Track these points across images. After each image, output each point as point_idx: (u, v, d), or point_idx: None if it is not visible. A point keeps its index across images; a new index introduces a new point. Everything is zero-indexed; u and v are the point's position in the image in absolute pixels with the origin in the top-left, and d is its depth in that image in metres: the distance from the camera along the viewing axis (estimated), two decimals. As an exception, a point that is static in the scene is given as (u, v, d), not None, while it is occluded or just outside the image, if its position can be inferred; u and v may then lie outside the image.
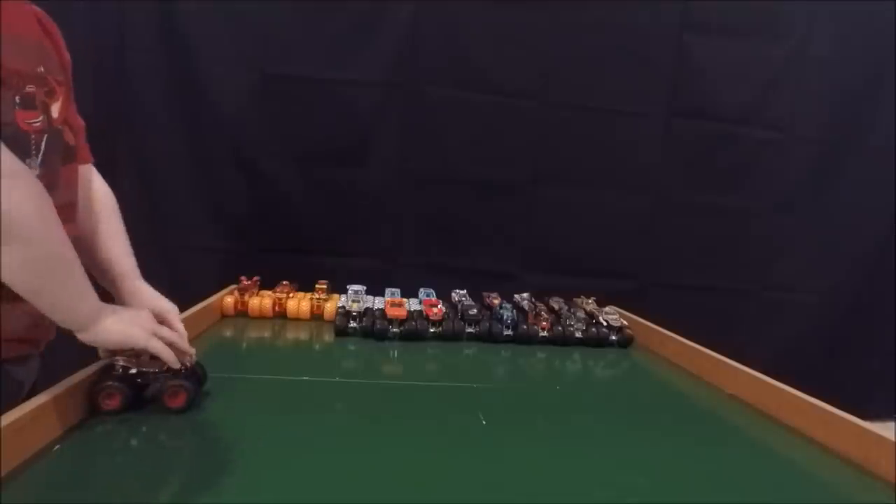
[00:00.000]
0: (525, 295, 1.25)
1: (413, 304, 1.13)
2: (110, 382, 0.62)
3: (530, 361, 1.02)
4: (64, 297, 0.57)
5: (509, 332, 1.09)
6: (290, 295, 1.13)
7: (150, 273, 0.78)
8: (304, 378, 0.81)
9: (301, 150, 1.47)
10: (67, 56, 0.72)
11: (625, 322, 1.15)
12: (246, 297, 1.11)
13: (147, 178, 1.38)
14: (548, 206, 1.57)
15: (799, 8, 1.54)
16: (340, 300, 1.12)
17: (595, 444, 0.68)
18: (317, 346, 1.02)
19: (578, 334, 1.10)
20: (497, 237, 1.58)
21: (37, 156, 0.60)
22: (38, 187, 0.54)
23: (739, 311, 1.65)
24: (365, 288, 1.17)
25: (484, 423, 0.70)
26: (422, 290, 1.22)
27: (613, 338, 1.12)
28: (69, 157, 0.68)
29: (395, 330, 1.04)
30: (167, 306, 0.72)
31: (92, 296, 0.60)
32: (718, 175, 1.60)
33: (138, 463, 0.54)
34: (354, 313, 1.05)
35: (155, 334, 0.63)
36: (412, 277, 1.39)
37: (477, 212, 1.56)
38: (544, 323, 1.10)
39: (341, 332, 1.04)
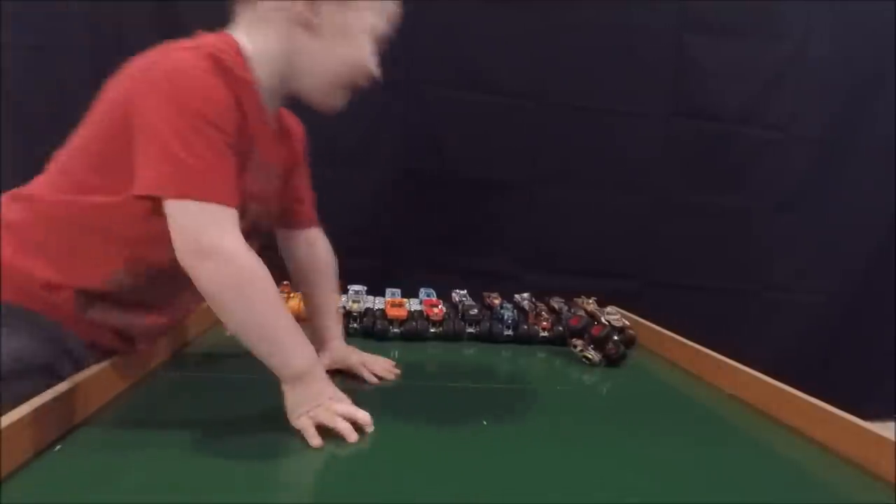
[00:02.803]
0: (525, 295, 1.25)
1: (413, 304, 1.13)
2: None
3: (531, 361, 1.02)
4: (266, 357, 0.63)
5: (510, 332, 1.09)
6: (291, 295, 1.13)
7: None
8: (305, 378, 0.81)
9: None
10: (299, 147, 0.89)
11: (626, 322, 1.15)
12: (246, 298, 1.11)
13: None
14: (548, 206, 1.57)
15: (799, 8, 1.54)
16: (341, 300, 1.12)
17: (595, 444, 0.68)
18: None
19: (578, 334, 1.10)
20: (497, 237, 1.57)
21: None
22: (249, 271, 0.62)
23: (739, 311, 1.65)
24: (365, 288, 1.17)
25: (484, 423, 0.70)
26: (422, 290, 1.22)
27: (615, 338, 1.12)
28: (288, 224, 0.87)
29: (395, 330, 1.05)
30: (354, 361, 0.83)
31: (297, 359, 0.65)
32: (718, 175, 1.60)
33: (138, 463, 0.54)
34: (355, 313, 1.06)
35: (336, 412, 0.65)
36: (412, 277, 1.39)
37: (477, 212, 1.55)
38: (545, 323, 1.10)
39: (341, 332, 1.04)
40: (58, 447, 0.54)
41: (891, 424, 1.33)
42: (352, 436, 0.62)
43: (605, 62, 1.51)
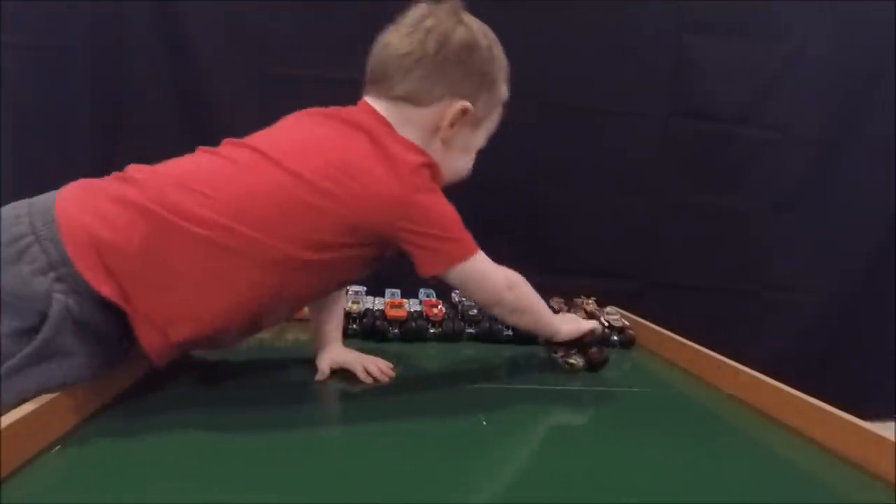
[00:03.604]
0: (525, 295, 1.25)
1: (413, 305, 1.13)
2: None
3: (530, 361, 1.02)
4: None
5: (509, 332, 1.09)
6: (291, 295, 1.13)
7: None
8: (304, 379, 0.81)
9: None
10: None
11: (626, 322, 1.15)
12: (246, 298, 1.11)
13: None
14: (547, 206, 1.57)
15: (798, 8, 1.54)
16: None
17: (595, 444, 0.68)
18: (317, 347, 1.02)
19: (578, 334, 1.10)
20: (497, 237, 1.57)
21: None
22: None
23: (739, 311, 1.65)
24: (365, 288, 1.17)
25: (484, 423, 0.70)
26: (422, 290, 1.22)
27: (615, 338, 1.12)
28: None
29: (395, 330, 1.04)
30: (352, 360, 0.85)
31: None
32: (717, 175, 1.60)
33: (139, 463, 0.54)
34: (354, 314, 1.05)
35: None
36: (412, 277, 1.39)
37: (477, 212, 1.55)
38: (544, 323, 1.10)
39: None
40: (57, 447, 0.54)
41: (891, 424, 1.33)
42: None
43: (603, 62, 1.51)
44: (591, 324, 0.96)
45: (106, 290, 0.61)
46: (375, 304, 1.12)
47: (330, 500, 0.50)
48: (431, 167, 0.76)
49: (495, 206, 1.56)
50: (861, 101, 1.59)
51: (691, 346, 1.00)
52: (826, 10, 1.54)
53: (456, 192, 1.52)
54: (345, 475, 0.55)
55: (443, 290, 1.25)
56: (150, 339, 0.65)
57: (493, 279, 0.83)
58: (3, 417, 0.49)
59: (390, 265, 1.57)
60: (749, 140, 1.59)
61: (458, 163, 0.85)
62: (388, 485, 0.54)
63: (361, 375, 0.83)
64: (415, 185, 0.73)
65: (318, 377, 0.81)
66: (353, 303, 1.07)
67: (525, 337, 1.08)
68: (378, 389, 0.81)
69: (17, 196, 1.34)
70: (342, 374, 0.83)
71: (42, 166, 1.13)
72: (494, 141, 1.55)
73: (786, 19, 1.55)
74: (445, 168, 0.81)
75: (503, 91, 0.85)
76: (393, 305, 1.08)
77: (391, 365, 0.86)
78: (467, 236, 0.80)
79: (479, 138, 0.86)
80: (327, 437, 0.63)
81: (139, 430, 0.61)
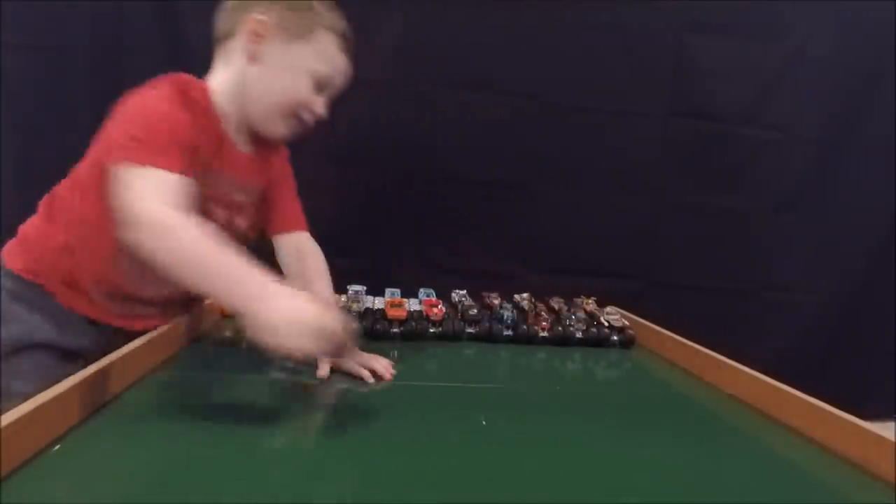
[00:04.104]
0: (525, 295, 1.25)
1: (413, 304, 1.13)
2: None
3: (530, 361, 1.02)
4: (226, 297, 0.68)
5: (509, 332, 1.09)
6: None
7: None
8: (304, 379, 0.81)
9: (301, 150, 1.47)
10: (282, 166, 1.02)
11: (626, 322, 1.15)
12: (246, 298, 1.11)
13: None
14: (548, 206, 1.57)
15: (799, 8, 1.54)
16: (340, 300, 1.12)
17: (595, 444, 0.68)
18: (317, 347, 1.02)
19: (579, 334, 1.10)
20: (497, 237, 1.57)
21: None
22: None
23: (739, 311, 1.65)
24: (365, 288, 1.17)
25: (484, 423, 0.70)
26: (422, 290, 1.22)
27: (615, 338, 1.12)
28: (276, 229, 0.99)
29: (395, 330, 1.04)
30: (351, 359, 0.83)
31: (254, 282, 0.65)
32: (718, 175, 1.60)
33: (138, 463, 0.54)
34: (354, 313, 1.05)
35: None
36: (412, 277, 1.39)
37: (477, 212, 1.55)
38: (544, 323, 1.10)
39: (341, 332, 1.04)
40: (57, 447, 0.54)
41: (891, 424, 1.33)
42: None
43: (604, 62, 1.52)
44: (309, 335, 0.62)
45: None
46: (375, 303, 1.13)
47: (330, 500, 0.51)
48: (183, 84, 0.80)
49: (495, 206, 1.56)
50: (861, 101, 1.59)
51: (691, 346, 1.00)
52: (826, 10, 1.54)
53: (457, 191, 1.54)
54: (345, 475, 0.55)
55: (443, 290, 1.25)
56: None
57: (134, 195, 0.66)
58: (3, 417, 0.49)
59: (390, 265, 1.58)
60: (749, 140, 1.59)
61: (282, 81, 0.85)
62: (388, 484, 0.54)
63: (365, 376, 0.82)
64: (142, 90, 0.77)
65: (319, 375, 0.81)
66: (354, 302, 1.07)
67: (525, 337, 1.08)
68: (378, 389, 0.81)
69: (18, 195, 1.35)
70: (343, 374, 0.83)
71: (42, 166, 1.12)
72: (495, 141, 1.57)
73: (786, 19, 1.55)
74: (268, 87, 0.84)
75: (317, 9, 0.86)
76: (393, 305, 1.08)
77: (391, 362, 0.86)
78: (152, 147, 0.69)
79: (301, 57, 0.84)
80: (327, 437, 0.63)
81: (139, 430, 0.61)
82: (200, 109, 0.80)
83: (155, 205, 0.65)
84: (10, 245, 0.88)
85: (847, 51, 1.56)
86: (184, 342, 0.91)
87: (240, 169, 0.88)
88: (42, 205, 0.89)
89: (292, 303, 0.62)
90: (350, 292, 1.14)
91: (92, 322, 0.87)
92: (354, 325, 0.67)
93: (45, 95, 1.32)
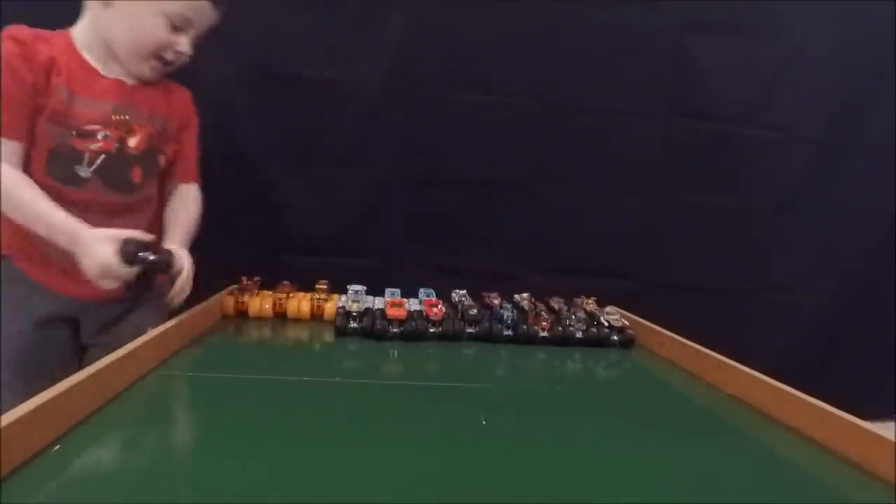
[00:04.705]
0: (525, 295, 1.25)
1: (413, 304, 1.13)
2: None
3: (530, 361, 1.02)
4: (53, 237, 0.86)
5: (509, 332, 1.09)
6: (290, 295, 1.13)
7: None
8: (304, 378, 0.81)
9: (301, 150, 1.47)
10: (183, 107, 1.08)
11: (626, 322, 1.15)
12: (246, 298, 1.11)
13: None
14: (548, 206, 1.57)
15: (799, 8, 1.54)
16: (340, 300, 1.12)
17: (595, 444, 0.68)
18: (317, 347, 1.02)
19: (579, 334, 1.10)
20: (497, 237, 1.58)
21: (89, 165, 0.92)
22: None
23: (739, 311, 1.65)
24: (365, 288, 1.17)
25: (484, 423, 0.70)
26: (422, 290, 1.22)
27: (615, 338, 1.12)
28: (154, 171, 1.01)
29: (395, 330, 1.04)
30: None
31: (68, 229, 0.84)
32: (718, 175, 1.60)
33: (139, 463, 0.54)
34: (354, 313, 1.05)
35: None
36: (412, 277, 1.39)
37: (477, 212, 1.56)
38: (544, 323, 1.10)
39: (341, 332, 1.04)
40: (57, 447, 0.54)
41: (891, 424, 1.33)
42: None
43: (604, 62, 1.52)
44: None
45: None
46: (375, 303, 1.13)
47: (330, 499, 0.50)
48: (13, 35, 0.89)
49: (495, 206, 1.56)
50: (861, 101, 1.60)
51: (691, 346, 1.00)
52: (826, 10, 1.54)
53: (457, 191, 1.54)
54: (344, 475, 0.55)
55: (443, 290, 1.25)
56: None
57: None
58: (3, 417, 0.49)
59: (390, 265, 1.57)
60: (750, 140, 1.59)
61: (134, 22, 0.91)
62: (387, 484, 0.54)
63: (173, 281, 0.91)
64: None
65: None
66: (354, 302, 1.07)
67: (525, 337, 1.08)
68: (377, 389, 0.81)
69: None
70: (342, 372, 0.83)
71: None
72: (495, 140, 1.57)
73: (786, 19, 1.55)
74: (120, 32, 0.92)
75: None
76: (393, 305, 1.08)
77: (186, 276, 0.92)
78: None
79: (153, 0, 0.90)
80: (326, 437, 0.63)
81: (139, 430, 0.61)
82: (45, 49, 0.90)
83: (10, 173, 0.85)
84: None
85: (847, 51, 1.56)
86: (184, 342, 0.91)
87: (113, 92, 0.94)
88: None
89: (89, 248, 0.82)
90: (350, 292, 1.14)
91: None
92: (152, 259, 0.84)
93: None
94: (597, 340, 1.11)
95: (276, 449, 0.59)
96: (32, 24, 1.35)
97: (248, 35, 1.38)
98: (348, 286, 1.17)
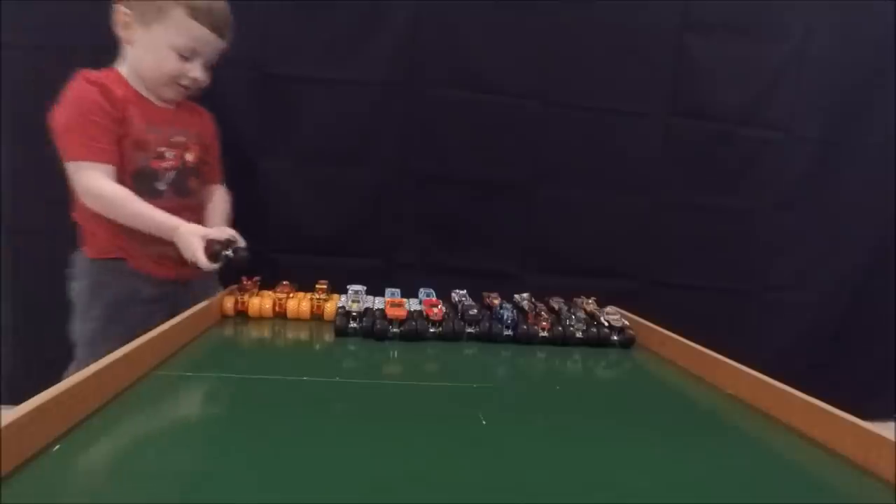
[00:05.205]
0: (525, 295, 1.25)
1: (413, 304, 1.13)
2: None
3: (530, 361, 1.02)
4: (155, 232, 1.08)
5: (509, 332, 1.09)
6: (290, 295, 1.13)
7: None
8: (304, 378, 0.81)
9: (301, 150, 1.47)
10: (209, 128, 1.26)
11: (626, 322, 1.15)
12: (246, 298, 1.11)
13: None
14: (548, 206, 1.57)
15: (799, 8, 1.54)
16: (340, 300, 1.12)
17: (595, 444, 0.68)
18: (317, 347, 1.02)
19: (579, 334, 1.10)
20: (497, 237, 1.58)
21: (164, 180, 1.13)
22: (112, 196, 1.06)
23: (739, 311, 1.65)
24: (365, 288, 1.17)
25: (484, 423, 0.70)
26: (422, 290, 1.22)
27: (615, 338, 1.12)
28: (201, 178, 1.22)
29: (395, 330, 1.04)
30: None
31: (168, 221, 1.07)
32: (718, 175, 1.61)
33: (139, 463, 0.54)
34: (354, 313, 1.05)
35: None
36: (412, 277, 1.39)
37: (477, 212, 1.56)
38: (544, 323, 1.10)
39: (341, 332, 1.04)
40: (57, 447, 0.54)
41: (891, 424, 1.33)
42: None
43: (605, 61, 1.52)
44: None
45: None
46: (375, 303, 1.12)
47: (330, 499, 0.50)
48: (88, 78, 1.06)
49: (495, 206, 1.56)
50: (862, 101, 1.60)
51: (691, 346, 1.00)
52: (826, 10, 1.54)
53: (457, 191, 1.54)
54: (344, 475, 0.55)
55: (443, 290, 1.25)
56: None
57: (82, 186, 1.04)
58: (3, 417, 0.49)
59: (390, 265, 1.58)
60: (750, 140, 1.59)
61: (150, 58, 1.08)
62: (387, 484, 0.54)
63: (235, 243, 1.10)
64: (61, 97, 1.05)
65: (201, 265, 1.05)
66: (353, 302, 1.07)
67: (525, 337, 1.08)
68: (378, 389, 0.81)
69: (18, 196, 1.35)
70: (342, 372, 0.83)
71: (42, 166, 1.13)
72: (495, 140, 1.57)
73: (786, 19, 1.55)
74: (142, 65, 1.10)
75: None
76: (393, 305, 1.08)
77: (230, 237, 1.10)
78: (73, 143, 1.03)
79: (159, 36, 1.06)
80: (326, 437, 0.63)
81: (139, 430, 0.61)
82: (113, 86, 1.07)
83: (99, 182, 1.04)
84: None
85: (847, 51, 1.56)
86: (184, 342, 0.91)
87: (168, 119, 1.14)
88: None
89: (181, 236, 1.06)
90: (350, 292, 1.14)
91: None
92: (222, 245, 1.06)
93: (46, 95, 1.32)
94: (597, 340, 1.11)
95: (275, 449, 0.59)
96: (33, 24, 1.36)
97: (248, 35, 1.38)
98: (348, 286, 1.17)
